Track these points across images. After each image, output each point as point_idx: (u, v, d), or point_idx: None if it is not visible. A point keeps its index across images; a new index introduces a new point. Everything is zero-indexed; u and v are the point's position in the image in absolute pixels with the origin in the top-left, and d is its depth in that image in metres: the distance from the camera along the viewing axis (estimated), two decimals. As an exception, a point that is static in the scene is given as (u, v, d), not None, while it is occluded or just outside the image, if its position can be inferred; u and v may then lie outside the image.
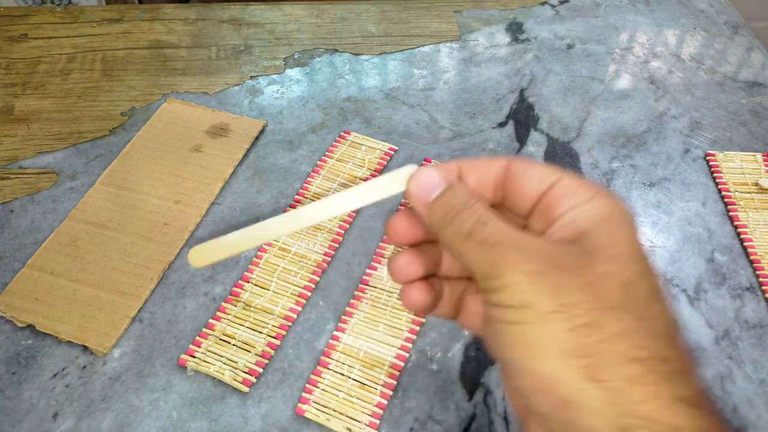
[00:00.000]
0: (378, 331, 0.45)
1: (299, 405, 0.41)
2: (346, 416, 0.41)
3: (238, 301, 0.47)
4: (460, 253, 0.26)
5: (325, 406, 0.41)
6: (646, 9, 0.78)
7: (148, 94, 0.64)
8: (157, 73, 0.67)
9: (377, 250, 0.51)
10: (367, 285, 0.48)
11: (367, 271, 0.49)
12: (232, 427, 0.41)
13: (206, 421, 0.41)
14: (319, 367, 0.43)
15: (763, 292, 0.48)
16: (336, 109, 0.63)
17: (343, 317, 0.46)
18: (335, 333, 0.45)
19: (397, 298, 0.47)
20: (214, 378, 0.43)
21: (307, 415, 0.41)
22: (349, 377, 0.43)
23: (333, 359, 0.44)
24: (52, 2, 1.18)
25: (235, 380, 0.42)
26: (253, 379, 0.43)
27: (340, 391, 0.42)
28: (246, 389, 0.42)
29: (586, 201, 0.26)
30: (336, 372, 0.43)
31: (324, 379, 0.43)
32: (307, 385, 0.42)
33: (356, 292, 0.48)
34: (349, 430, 0.40)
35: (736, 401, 0.42)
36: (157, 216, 0.52)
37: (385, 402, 0.42)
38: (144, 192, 0.54)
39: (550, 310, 0.23)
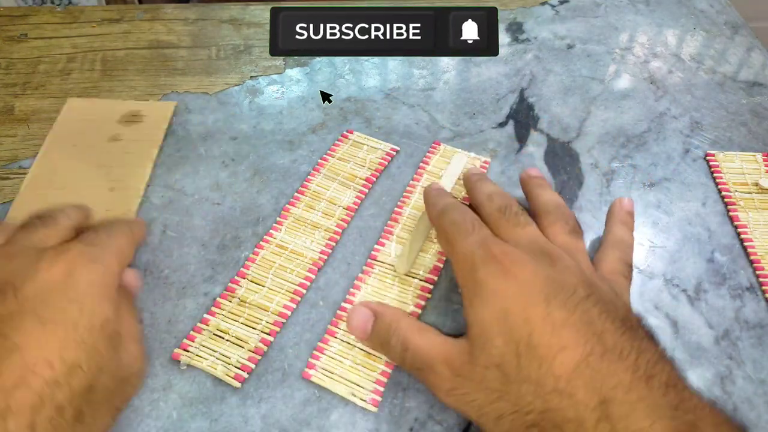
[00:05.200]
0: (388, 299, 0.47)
1: (306, 370, 0.43)
2: (351, 382, 0.42)
3: (233, 297, 0.47)
4: (402, 366, 0.39)
5: (331, 372, 0.43)
6: (646, 9, 0.78)
7: (148, 94, 0.64)
8: (157, 73, 0.67)
9: (375, 246, 0.51)
10: (375, 260, 0.50)
11: (372, 252, 0.50)
12: (232, 427, 0.41)
13: (206, 421, 0.41)
14: (326, 336, 0.45)
15: (763, 292, 0.48)
16: (336, 109, 0.63)
17: (351, 289, 0.47)
18: (342, 304, 0.46)
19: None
20: (212, 375, 0.43)
21: (313, 379, 0.42)
22: (355, 346, 0.44)
23: (340, 329, 0.45)
24: (52, 2, 1.18)
25: (227, 375, 0.43)
26: (245, 375, 0.43)
27: (345, 358, 0.43)
28: (238, 384, 0.42)
29: (466, 296, 0.36)
30: (342, 341, 0.44)
31: (331, 347, 0.44)
32: (315, 352, 0.44)
33: (364, 267, 0.49)
34: (353, 394, 0.42)
35: (736, 401, 0.42)
36: (97, 205, 0.52)
37: (389, 371, 0.43)
38: (75, 187, 0.54)
39: (473, 418, 0.33)
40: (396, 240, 0.51)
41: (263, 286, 0.48)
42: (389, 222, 0.52)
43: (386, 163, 0.58)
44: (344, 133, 0.60)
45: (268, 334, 0.45)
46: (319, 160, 0.57)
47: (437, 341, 0.35)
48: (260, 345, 0.44)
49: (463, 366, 0.32)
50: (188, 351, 0.44)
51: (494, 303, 0.31)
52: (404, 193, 0.55)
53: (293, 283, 0.48)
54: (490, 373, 0.31)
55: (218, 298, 0.47)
